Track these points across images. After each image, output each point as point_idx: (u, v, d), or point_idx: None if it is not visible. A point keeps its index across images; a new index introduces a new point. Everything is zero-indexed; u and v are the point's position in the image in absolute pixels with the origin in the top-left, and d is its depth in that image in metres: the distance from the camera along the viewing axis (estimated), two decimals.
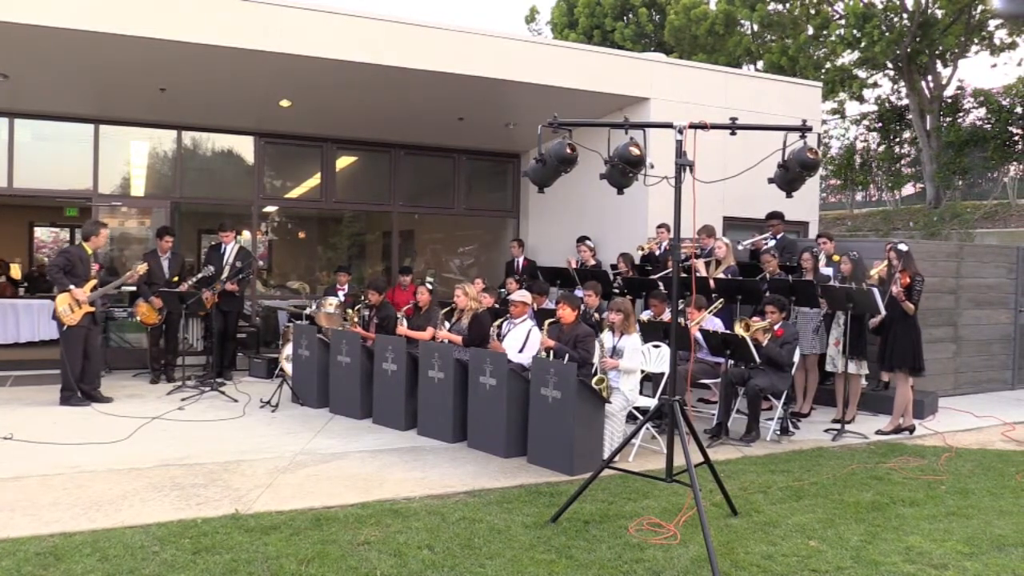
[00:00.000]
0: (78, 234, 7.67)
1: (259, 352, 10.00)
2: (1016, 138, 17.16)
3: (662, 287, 7.55)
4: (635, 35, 24.44)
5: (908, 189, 20.35)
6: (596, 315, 7.25)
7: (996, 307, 9.42)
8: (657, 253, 8.82)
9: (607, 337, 6.08)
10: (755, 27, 22.07)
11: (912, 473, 5.61)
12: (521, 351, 6.32)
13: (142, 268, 7.85)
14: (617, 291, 8.25)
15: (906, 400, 6.89)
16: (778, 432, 6.60)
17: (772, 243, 8.58)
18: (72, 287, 7.09)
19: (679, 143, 4.14)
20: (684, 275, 6.89)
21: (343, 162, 11.66)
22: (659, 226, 8.95)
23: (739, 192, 9.19)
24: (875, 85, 20.97)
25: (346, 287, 9.34)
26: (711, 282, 7.67)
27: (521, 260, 10.46)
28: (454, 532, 4.13)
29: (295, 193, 11.65)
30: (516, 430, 5.73)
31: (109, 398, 7.43)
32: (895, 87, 20.41)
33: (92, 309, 7.26)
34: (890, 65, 18.90)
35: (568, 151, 4.33)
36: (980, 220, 16.04)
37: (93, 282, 7.29)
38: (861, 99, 21.20)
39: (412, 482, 5.06)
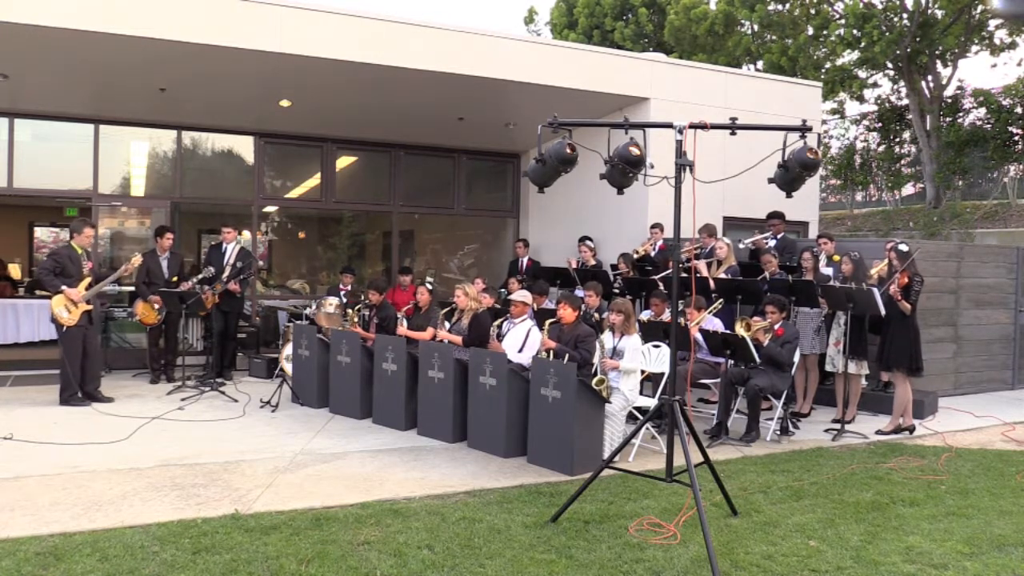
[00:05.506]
0: (69, 233, 7.63)
1: (259, 352, 10.00)
2: (1016, 138, 17.16)
3: (662, 287, 7.55)
4: (635, 35, 24.42)
5: (908, 189, 20.35)
6: (596, 315, 7.25)
7: (996, 307, 9.41)
8: (652, 254, 8.83)
9: (607, 338, 6.08)
10: (755, 27, 22.06)
11: (912, 473, 5.61)
12: (521, 351, 6.32)
13: (136, 260, 7.81)
14: (617, 291, 8.26)
15: (906, 400, 6.89)
16: (778, 432, 6.59)
17: (773, 243, 8.59)
18: (65, 288, 7.09)
19: (679, 143, 4.14)
20: (684, 275, 6.89)
21: (343, 162, 11.66)
22: (652, 226, 8.96)
23: (739, 192, 9.19)
24: (875, 85, 20.96)
25: (349, 287, 9.35)
26: (711, 282, 7.68)
27: (525, 260, 10.46)
28: (454, 532, 4.12)
29: (295, 193, 11.65)
30: (516, 430, 5.73)
31: (110, 398, 7.43)
32: (895, 87, 20.41)
33: (90, 307, 7.25)
34: (890, 65, 18.90)
35: (568, 151, 4.33)
36: (980, 220, 16.04)
37: (87, 280, 7.29)
38: (861, 99, 21.20)
39: (412, 482, 5.06)
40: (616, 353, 5.95)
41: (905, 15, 17.98)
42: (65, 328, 7.12)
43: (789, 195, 4.54)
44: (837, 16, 19.73)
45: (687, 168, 4.16)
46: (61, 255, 7.29)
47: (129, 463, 5.31)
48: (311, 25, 7.71)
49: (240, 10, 7.45)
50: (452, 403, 6.14)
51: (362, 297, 8.34)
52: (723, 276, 7.84)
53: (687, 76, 9.78)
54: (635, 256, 8.77)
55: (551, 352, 5.97)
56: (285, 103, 9.45)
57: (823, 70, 20.53)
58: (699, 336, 6.82)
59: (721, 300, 7.41)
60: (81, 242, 7.40)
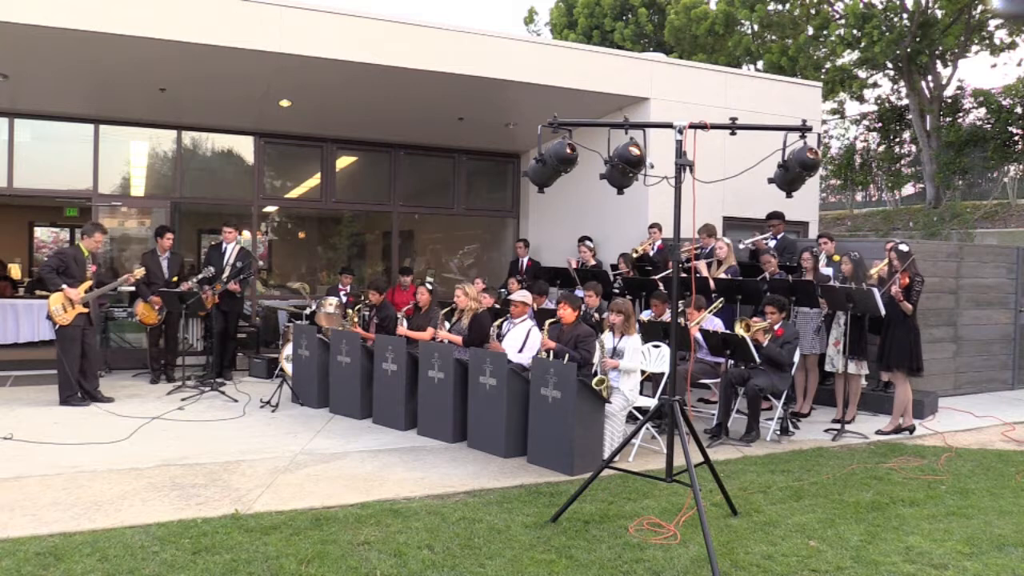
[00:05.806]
0: (79, 234, 7.66)
1: (259, 352, 10.00)
2: (1016, 138, 17.18)
3: (662, 287, 7.55)
4: (635, 35, 24.43)
5: (908, 189, 20.37)
6: (596, 315, 7.26)
7: (996, 307, 9.41)
8: (651, 253, 8.83)
9: (607, 338, 6.08)
10: (755, 27, 22.07)
11: (912, 473, 5.61)
12: (521, 351, 6.32)
13: (139, 272, 7.86)
14: (617, 291, 8.26)
15: (906, 400, 6.89)
16: (778, 432, 6.59)
17: (773, 243, 8.59)
18: (65, 287, 7.09)
19: (679, 143, 4.14)
20: (684, 275, 6.90)
21: (343, 162, 11.66)
22: (651, 226, 8.97)
23: (739, 192, 9.19)
24: (875, 85, 20.99)
25: (348, 287, 9.35)
26: (711, 282, 7.68)
27: (525, 260, 10.47)
28: (454, 532, 4.13)
29: (295, 193, 11.65)
30: (516, 430, 5.73)
31: (110, 398, 7.43)
32: (895, 87, 20.43)
33: (86, 309, 7.24)
34: (890, 65, 18.91)
35: (568, 151, 4.33)
36: (980, 220, 16.04)
37: (88, 283, 7.29)
38: (861, 99, 21.22)
39: (412, 482, 5.06)
40: (616, 353, 5.94)
41: (905, 15, 17.98)
42: (59, 327, 7.12)
43: (789, 195, 4.54)
44: (837, 16, 19.74)
45: (687, 168, 4.16)
46: (67, 255, 7.30)
47: (129, 463, 5.31)
48: (311, 25, 7.72)
49: (240, 10, 7.45)
50: (452, 403, 6.14)
51: (362, 297, 8.34)
52: (723, 276, 7.84)
53: (687, 76, 9.78)
54: (634, 255, 8.78)
55: (551, 352, 5.97)
56: (285, 103, 9.45)
57: (823, 70, 20.54)
58: (699, 336, 6.82)
59: (721, 300, 7.40)
60: (89, 245, 7.41)
